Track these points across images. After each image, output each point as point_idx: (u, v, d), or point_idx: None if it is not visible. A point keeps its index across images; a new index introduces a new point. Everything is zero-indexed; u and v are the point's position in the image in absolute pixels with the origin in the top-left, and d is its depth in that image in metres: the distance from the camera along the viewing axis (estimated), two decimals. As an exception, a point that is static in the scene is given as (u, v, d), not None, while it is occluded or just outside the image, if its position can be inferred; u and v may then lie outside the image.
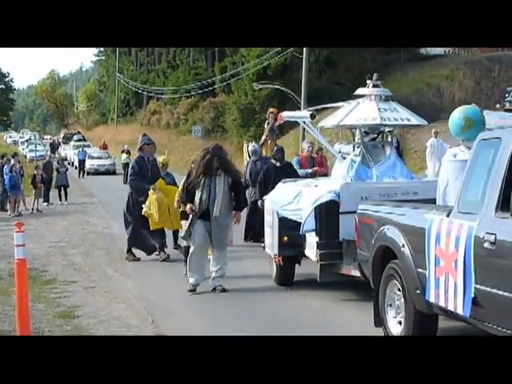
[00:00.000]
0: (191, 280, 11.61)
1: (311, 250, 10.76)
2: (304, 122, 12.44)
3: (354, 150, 11.35)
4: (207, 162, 11.66)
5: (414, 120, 11.02)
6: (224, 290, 11.47)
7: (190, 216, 11.56)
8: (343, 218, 10.40)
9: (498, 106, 12.81)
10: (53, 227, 20.97)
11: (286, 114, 12.92)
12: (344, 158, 11.88)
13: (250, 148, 16.69)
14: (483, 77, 42.90)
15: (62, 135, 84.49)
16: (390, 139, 11.48)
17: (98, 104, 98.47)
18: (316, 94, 44.90)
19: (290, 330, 8.73)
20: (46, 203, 28.44)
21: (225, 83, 51.82)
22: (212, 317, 9.96)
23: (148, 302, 10.84)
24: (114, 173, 47.39)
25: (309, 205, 10.54)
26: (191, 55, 62.28)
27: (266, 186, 14.11)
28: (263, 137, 19.09)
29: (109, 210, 24.61)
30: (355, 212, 10.00)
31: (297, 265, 11.75)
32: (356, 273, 10.01)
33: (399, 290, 7.90)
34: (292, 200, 11.31)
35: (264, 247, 12.50)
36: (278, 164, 14.79)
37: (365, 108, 10.98)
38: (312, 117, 11.54)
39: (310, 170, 15.41)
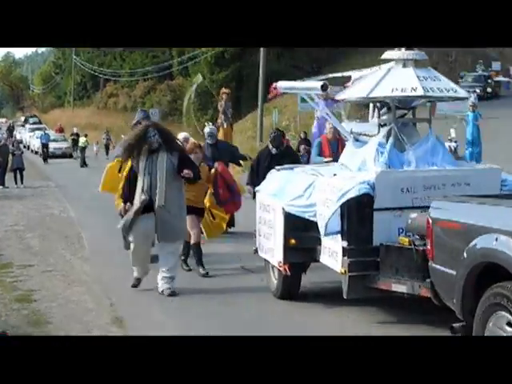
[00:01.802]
0: (134, 274, 9.53)
1: (333, 257, 7.78)
2: (307, 96, 9.32)
3: (379, 129, 8.33)
4: (141, 135, 9.08)
5: (461, 92, 8.05)
6: (173, 294, 9.17)
7: (131, 209, 9.29)
8: (379, 217, 7.48)
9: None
10: (9, 210, 19.59)
11: (284, 85, 9.66)
12: (357, 140, 8.91)
13: (206, 130, 13.65)
14: (440, 61, 41.29)
15: (22, 118, 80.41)
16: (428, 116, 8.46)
17: (54, 87, 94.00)
18: (274, 78, 42.34)
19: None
20: (1, 186, 26.65)
21: (182, 66, 48.90)
22: (171, 299, 9.09)
23: (106, 285, 10.03)
24: (70, 156, 46.32)
25: (332, 200, 7.56)
26: (148, 38, 58.43)
27: (258, 175, 11.02)
28: (218, 120, 16.96)
29: (66, 194, 23.45)
30: (394, 209, 7.20)
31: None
32: (399, 288, 7.21)
33: (509, 325, 5.06)
34: (302, 193, 8.29)
35: (256, 250, 9.49)
36: (274, 151, 11.63)
37: (399, 76, 7.94)
38: (324, 88, 8.44)
39: (325, 160, 11.42)
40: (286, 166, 9.63)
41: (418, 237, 7.21)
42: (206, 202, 10.68)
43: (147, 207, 9.09)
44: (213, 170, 10.73)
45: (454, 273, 5.56)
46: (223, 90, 17.95)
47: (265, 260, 9.27)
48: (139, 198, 9.12)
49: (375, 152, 7.90)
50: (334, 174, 8.12)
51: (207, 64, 46.42)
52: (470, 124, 22.32)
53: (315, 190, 8.09)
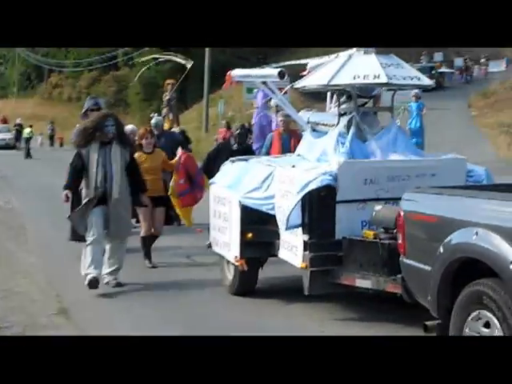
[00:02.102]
0: (91, 274, 8.56)
1: (293, 252, 7.34)
2: (264, 84, 8.83)
3: (339, 118, 7.89)
4: (100, 122, 8.63)
5: (425, 79, 7.64)
6: (120, 285, 8.90)
7: (84, 202, 8.66)
8: (342, 210, 7.06)
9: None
10: (-49, 202, 18.63)
11: (239, 73, 9.13)
12: (314, 130, 8.48)
13: (152, 121, 13.24)
14: (384, 52, 40.85)
15: None
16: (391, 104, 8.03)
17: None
18: (220, 69, 41.81)
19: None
20: None
21: (127, 57, 47.86)
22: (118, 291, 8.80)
23: (51, 276, 9.61)
24: (13, 147, 45.12)
25: (292, 192, 7.11)
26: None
27: (214, 167, 10.46)
28: (163, 110, 16.59)
29: (10, 185, 22.69)
30: (357, 201, 6.81)
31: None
32: (363, 283, 6.81)
33: (487, 326, 4.67)
34: (259, 185, 7.83)
35: (209, 245, 8.99)
36: (235, 146, 11.04)
37: (361, 63, 7.50)
38: (281, 75, 7.93)
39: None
40: (240, 157, 9.15)
41: (382, 230, 6.83)
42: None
43: (100, 200, 8.60)
44: (176, 159, 10.23)
45: (428, 268, 5.16)
46: (168, 80, 17.38)
47: (219, 255, 8.78)
48: (93, 189, 8.59)
49: (336, 142, 7.45)
50: (293, 166, 7.66)
51: (153, 54, 45.42)
52: (413, 114, 22.08)
53: (273, 182, 7.64)
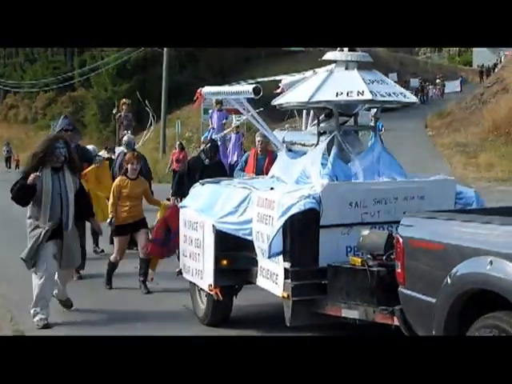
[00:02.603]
0: (41, 315, 7.89)
1: (272, 280, 6.77)
2: (237, 101, 8.25)
3: (318, 138, 7.37)
4: (48, 146, 7.99)
5: (411, 96, 7.16)
6: (47, 326, 7.91)
7: (35, 235, 7.90)
8: (325, 235, 6.51)
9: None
10: None
11: (210, 90, 8.54)
12: (290, 151, 7.95)
13: (125, 139, 12.78)
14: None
15: None
16: (372, 123, 7.55)
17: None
18: (177, 90, 41.40)
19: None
20: None
21: (84, 77, 47.01)
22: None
23: (7, 299, 9.25)
24: None
25: (273, 216, 6.55)
26: (50, 48, 56.16)
27: (184, 188, 9.85)
28: (121, 132, 16.15)
29: None
30: (342, 226, 6.27)
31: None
32: (350, 313, 6.27)
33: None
34: (235, 209, 7.25)
35: (180, 272, 8.37)
36: (207, 162, 10.47)
37: (343, 79, 7.00)
38: (256, 92, 7.37)
39: (246, 176, 9.94)
40: (211, 179, 8.57)
41: (370, 256, 6.30)
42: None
43: (54, 232, 7.94)
44: (163, 203, 9.74)
45: (432, 300, 4.64)
46: (123, 100, 16.78)
47: (190, 283, 8.17)
48: (47, 220, 7.91)
49: (317, 163, 6.92)
50: (271, 188, 7.11)
51: (109, 76, 44.82)
52: (371, 135, 21.60)
53: (250, 205, 7.08)
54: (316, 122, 7.74)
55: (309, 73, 8.09)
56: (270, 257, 6.48)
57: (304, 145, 7.77)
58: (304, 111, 8.38)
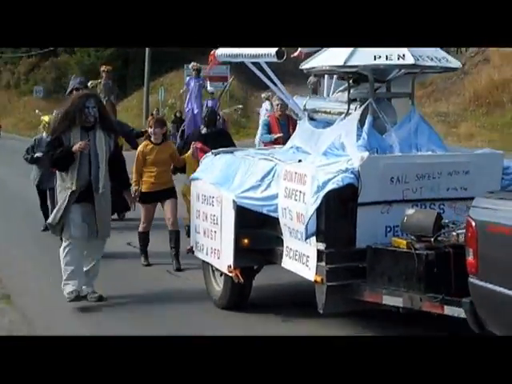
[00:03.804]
0: (71, 287, 7.07)
1: (302, 262, 5.97)
2: (254, 65, 7.32)
3: (349, 106, 6.54)
4: (78, 104, 7.13)
5: (453, 61, 6.32)
6: (101, 299, 7.33)
7: (62, 197, 7.14)
8: (364, 213, 5.72)
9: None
10: None
11: (224, 52, 7.53)
12: (312, 119, 7.13)
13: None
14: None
15: None
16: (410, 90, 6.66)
17: None
18: (160, 57, 40.21)
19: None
20: None
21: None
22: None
23: None
24: None
25: (306, 192, 5.74)
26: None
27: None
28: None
29: None
30: (381, 203, 5.47)
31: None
32: (392, 301, 5.49)
33: None
34: (258, 182, 6.42)
35: (191, 250, 7.54)
36: (204, 130, 9.62)
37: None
38: (280, 55, 6.48)
39: (275, 136, 9.43)
40: (223, 149, 7.73)
41: (414, 238, 5.53)
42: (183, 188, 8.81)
43: (81, 195, 7.13)
44: (188, 153, 8.79)
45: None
46: (102, 67, 15.71)
47: (203, 262, 7.36)
48: (75, 181, 7.09)
49: (353, 133, 6.10)
50: (299, 160, 6.28)
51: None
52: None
53: (275, 179, 6.26)
54: (342, 88, 6.94)
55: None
56: (306, 238, 5.67)
57: (329, 113, 6.93)
58: (326, 76, 7.52)
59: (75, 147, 7.02)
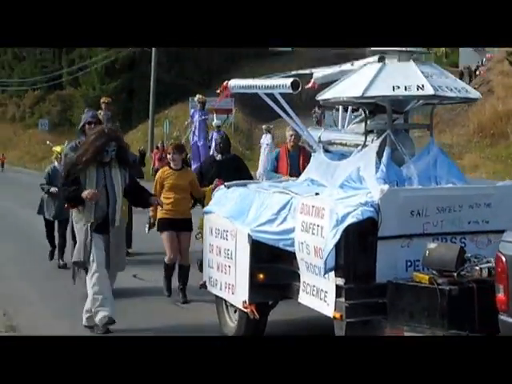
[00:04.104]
0: (104, 313, 7.03)
1: (320, 297, 5.80)
2: (268, 96, 7.19)
3: (366, 137, 6.41)
4: (102, 144, 7.13)
5: (473, 92, 6.20)
6: (112, 322, 7.15)
7: (82, 229, 7.18)
8: (384, 247, 5.54)
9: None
10: None
11: (237, 83, 7.41)
12: (327, 151, 7.00)
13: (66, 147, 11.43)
14: (331, 73, 40.33)
15: None
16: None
17: None
18: (165, 89, 40.40)
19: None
20: None
21: (72, 76, 45.71)
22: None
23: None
24: None
25: (324, 226, 5.58)
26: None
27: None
28: None
29: None
30: (401, 237, 5.27)
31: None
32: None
33: None
34: (274, 216, 6.27)
35: (203, 285, 7.36)
36: (219, 157, 9.52)
37: (399, 71, 6.01)
38: (295, 87, 6.37)
39: (281, 177, 8.72)
40: (236, 182, 7.59)
41: (436, 272, 5.35)
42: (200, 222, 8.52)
43: (100, 226, 7.16)
44: (211, 186, 8.59)
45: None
46: (102, 99, 15.55)
47: (216, 297, 7.18)
48: (93, 212, 7.12)
49: (372, 165, 5.95)
50: (317, 193, 6.13)
51: (98, 74, 43.66)
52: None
53: (291, 213, 6.10)
54: (358, 119, 6.82)
55: (346, 65, 7.11)
56: (325, 273, 5.50)
57: (345, 145, 6.80)
58: (340, 108, 7.40)
59: (84, 194, 7.01)
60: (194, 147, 19.76)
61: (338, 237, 5.38)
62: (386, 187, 5.55)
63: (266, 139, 21.84)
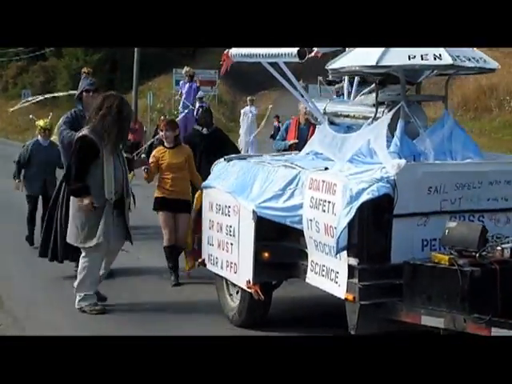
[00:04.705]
0: (92, 300, 6.94)
1: (330, 278, 5.44)
2: (271, 65, 6.74)
3: (376, 109, 6.02)
4: (125, 122, 6.99)
5: (491, 62, 5.80)
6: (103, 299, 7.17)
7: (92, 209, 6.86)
8: (399, 226, 5.19)
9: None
10: None
11: (239, 52, 6.85)
12: (333, 124, 6.61)
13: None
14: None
15: None
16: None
17: None
18: (148, 61, 39.62)
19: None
20: None
21: (55, 47, 44.72)
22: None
23: None
24: None
25: (337, 202, 5.22)
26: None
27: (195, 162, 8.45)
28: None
29: None
30: (418, 215, 4.94)
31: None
32: (432, 321, 5.01)
33: None
34: (281, 191, 5.89)
35: (202, 262, 6.98)
36: (204, 130, 9.09)
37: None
38: (301, 55, 5.94)
39: (290, 142, 8.82)
40: (236, 155, 7.22)
41: (454, 253, 5.01)
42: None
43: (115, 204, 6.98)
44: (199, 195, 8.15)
45: None
46: (83, 69, 14.94)
47: (216, 276, 6.81)
48: (112, 194, 6.84)
49: (376, 135, 5.57)
50: (326, 168, 5.75)
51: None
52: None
53: (300, 188, 5.72)
54: (367, 90, 6.44)
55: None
56: (337, 253, 5.14)
57: (353, 117, 6.40)
58: (345, 78, 7.00)
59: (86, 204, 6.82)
60: (183, 119, 19.36)
61: (352, 214, 5.02)
62: (402, 162, 5.18)
63: (251, 108, 22.08)
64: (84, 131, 6.90)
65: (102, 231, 6.75)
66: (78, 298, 6.93)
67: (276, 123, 22.84)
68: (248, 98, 23.51)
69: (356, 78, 6.80)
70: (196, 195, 7.33)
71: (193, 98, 19.74)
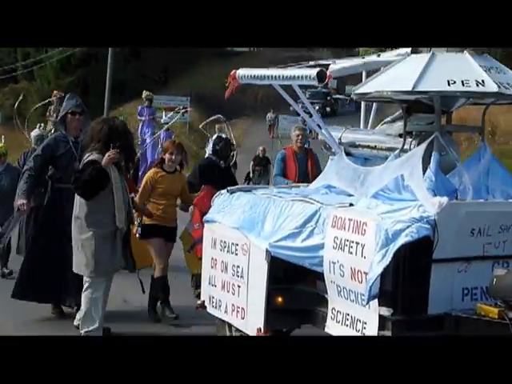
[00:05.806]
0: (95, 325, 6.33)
1: (359, 330, 4.78)
2: (283, 89, 6.10)
3: (404, 139, 5.41)
4: (128, 143, 6.56)
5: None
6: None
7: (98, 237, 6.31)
8: (438, 272, 4.57)
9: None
10: None
11: (247, 73, 6.11)
12: (349, 154, 5.99)
13: (34, 133, 10.49)
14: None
15: None
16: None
17: None
18: (120, 86, 39.11)
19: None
20: None
21: (27, 70, 43.93)
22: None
23: None
24: None
25: (369, 245, 4.57)
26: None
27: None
28: (50, 127, 12.92)
29: None
30: (458, 260, 4.36)
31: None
32: None
33: None
34: (298, 229, 5.22)
35: (202, 305, 6.28)
36: (223, 164, 8.36)
37: (453, 64, 4.99)
38: (321, 78, 5.32)
39: (291, 183, 7.68)
40: (240, 186, 6.58)
41: (502, 304, 4.40)
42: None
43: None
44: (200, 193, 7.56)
45: None
46: (54, 92, 14.33)
47: (218, 320, 6.11)
48: (123, 220, 6.35)
49: (420, 173, 4.94)
50: (351, 204, 5.12)
51: (53, 69, 42.10)
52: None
53: (321, 226, 5.07)
54: (390, 119, 5.86)
55: (371, 57, 6.16)
56: (368, 301, 4.49)
57: (374, 148, 5.80)
58: (362, 104, 6.41)
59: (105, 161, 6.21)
60: (144, 144, 18.62)
61: (388, 259, 4.38)
62: (444, 200, 4.56)
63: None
64: (93, 156, 6.27)
65: (111, 259, 6.29)
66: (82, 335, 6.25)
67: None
68: (217, 126, 22.63)
69: (374, 104, 6.21)
70: (180, 234, 6.86)
71: (151, 123, 19.08)
